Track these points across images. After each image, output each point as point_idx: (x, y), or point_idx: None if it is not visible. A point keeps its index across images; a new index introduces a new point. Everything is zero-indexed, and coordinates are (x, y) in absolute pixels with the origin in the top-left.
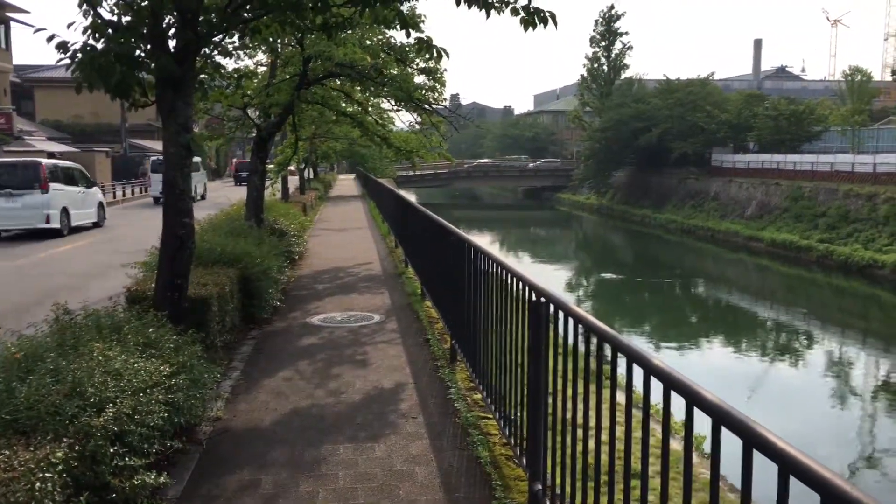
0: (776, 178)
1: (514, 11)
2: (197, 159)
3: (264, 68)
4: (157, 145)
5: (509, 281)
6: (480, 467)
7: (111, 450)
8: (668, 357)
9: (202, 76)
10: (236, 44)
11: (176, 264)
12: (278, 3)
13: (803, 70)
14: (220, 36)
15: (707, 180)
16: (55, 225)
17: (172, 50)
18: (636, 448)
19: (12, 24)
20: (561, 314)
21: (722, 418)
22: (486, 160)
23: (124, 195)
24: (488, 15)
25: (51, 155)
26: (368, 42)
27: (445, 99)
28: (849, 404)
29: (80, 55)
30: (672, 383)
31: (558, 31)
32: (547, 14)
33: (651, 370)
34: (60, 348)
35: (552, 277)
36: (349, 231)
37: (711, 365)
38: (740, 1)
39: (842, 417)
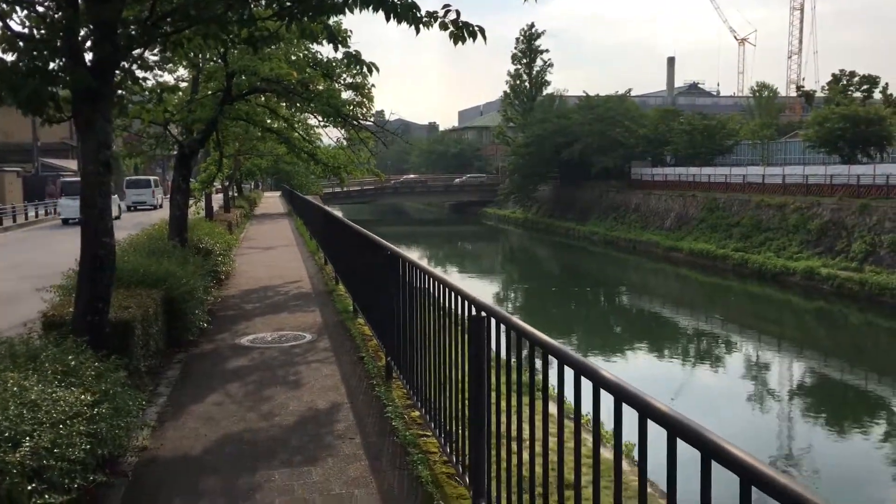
0: (693, 190)
1: (444, 26)
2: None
3: (186, 83)
4: (72, 164)
5: (447, 295)
6: (422, 487)
7: (28, 487)
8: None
9: (121, 91)
10: (157, 58)
11: (96, 286)
12: (201, 16)
13: (718, 86)
14: (141, 49)
15: (627, 193)
16: None
17: (89, 63)
18: (588, 461)
19: None
20: (503, 328)
21: (678, 430)
22: (412, 176)
23: (36, 216)
24: (418, 31)
25: None
26: (294, 57)
27: (374, 114)
28: (766, 404)
29: None
30: (623, 395)
31: (482, 48)
32: (476, 28)
33: (601, 382)
34: None
35: (481, 290)
36: (276, 249)
37: (637, 370)
38: (653, 22)
39: (760, 416)
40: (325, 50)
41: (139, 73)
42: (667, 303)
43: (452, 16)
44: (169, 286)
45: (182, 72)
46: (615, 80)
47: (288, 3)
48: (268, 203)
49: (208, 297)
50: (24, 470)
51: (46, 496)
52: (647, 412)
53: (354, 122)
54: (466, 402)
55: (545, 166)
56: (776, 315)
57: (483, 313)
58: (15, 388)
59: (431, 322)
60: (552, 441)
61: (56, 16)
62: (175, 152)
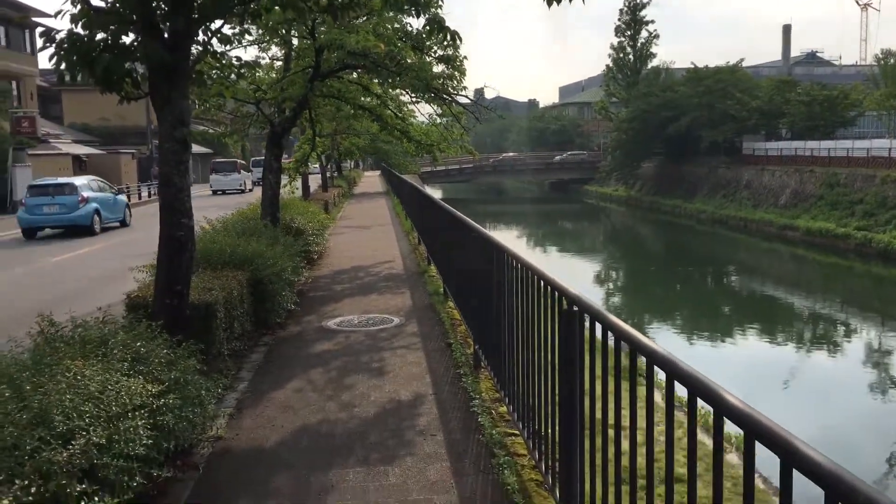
0: (810, 166)
1: None
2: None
3: (280, 62)
4: None
5: (539, 285)
6: (507, 496)
7: (78, 488)
8: (702, 353)
9: (200, 66)
10: (236, 30)
11: (174, 269)
12: None
13: (840, 57)
14: (220, 22)
15: (738, 169)
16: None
17: (165, 38)
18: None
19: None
20: (597, 324)
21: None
22: (511, 154)
23: (149, 195)
24: None
25: (76, 158)
26: (382, 30)
27: (466, 88)
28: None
29: (65, 44)
30: (725, 409)
31: (583, 21)
32: None
33: (698, 390)
34: (36, 367)
35: (582, 272)
36: (372, 228)
37: (747, 361)
38: None
39: (884, 416)
40: (416, 22)
41: (218, 48)
42: (782, 285)
43: None
44: (256, 267)
45: (275, 50)
46: (724, 52)
47: None
48: (367, 182)
49: (298, 278)
50: (73, 469)
51: (96, 498)
52: (755, 430)
53: (445, 97)
54: (557, 402)
55: (649, 142)
56: None
57: (575, 307)
58: (77, 378)
59: (523, 312)
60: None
61: None
62: (267, 131)
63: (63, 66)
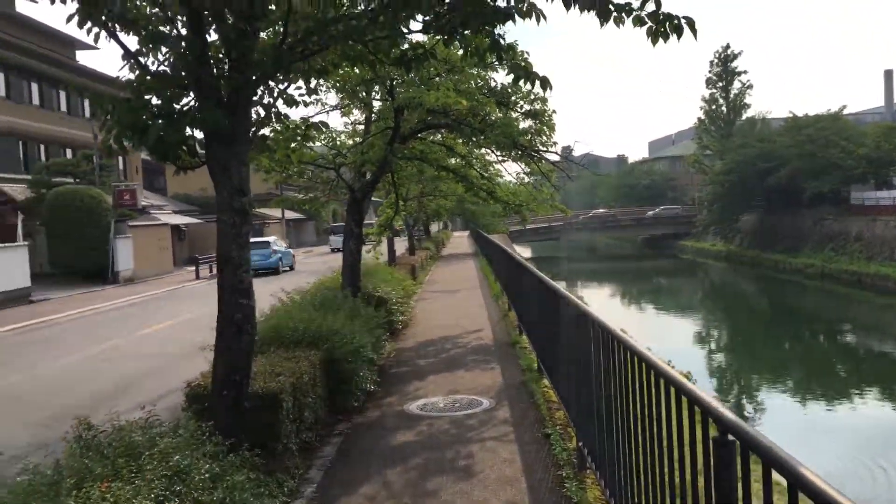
0: None
1: (639, 21)
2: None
3: (362, 127)
4: (277, 213)
5: (668, 391)
6: None
7: None
8: (828, 425)
9: (264, 130)
10: (303, 90)
11: (233, 356)
12: (339, 33)
13: None
14: (284, 84)
15: (846, 220)
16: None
17: (223, 100)
18: None
19: None
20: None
21: None
22: (601, 210)
23: None
24: (604, 22)
25: (175, 227)
26: (464, 86)
27: (556, 143)
28: None
29: (114, 111)
30: None
31: (672, 75)
32: (682, 21)
33: None
34: (51, 493)
35: (684, 333)
36: (460, 293)
37: (876, 430)
38: (862, 32)
39: None
40: (500, 77)
41: (286, 111)
42: None
43: (651, 6)
44: (332, 345)
45: (357, 115)
46: (822, 101)
47: (442, 13)
48: (455, 243)
49: (380, 353)
50: None
51: None
52: None
53: (533, 153)
54: None
55: (748, 194)
56: None
57: (730, 436)
58: None
59: (642, 415)
60: None
61: (182, 48)
62: (346, 197)
63: (113, 136)
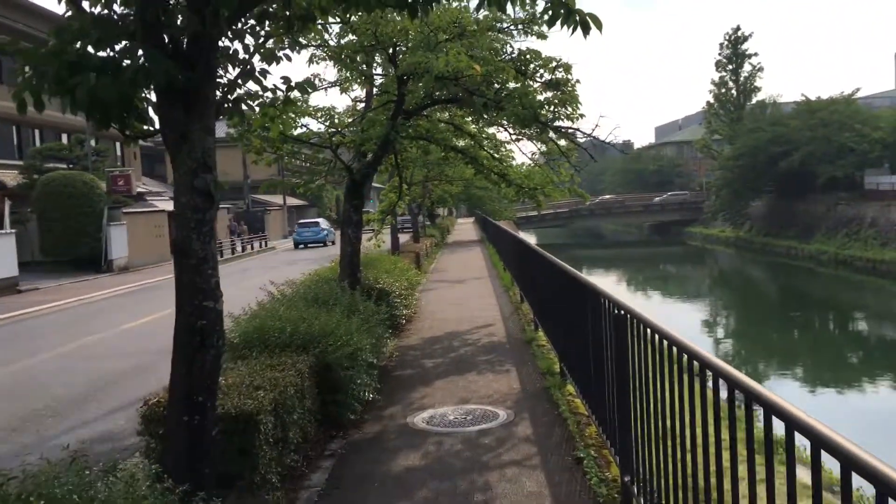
0: None
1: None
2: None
3: (362, 105)
4: (279, 199)
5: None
6: None
7: None
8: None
9: (239, 92)
10: (284, 44)
11: (194, 372)
12: None
13: None
14: (259, 30)
15: (861, 205)
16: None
17: (180, 48)
18: None
19: None
20: None
21: None
22: (608, 196)
23: (243, 250)
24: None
25: (171, 214)
26: (478, 53)
27: (583, 116)
28: None
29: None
30: None
31: (678, 59)
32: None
33: None
34: None
35: (698, 322)
36: (467, 282)
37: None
38: (872, 14)
39: None
40: (518, 44)
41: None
42: None
43: None
44: (324, 349)
45: (358, 92)
46: (832, 84)
47: None
48: (461, 230)
49: (381, 354)
50: None
51: None
52: None
53: (558, 128)
54: None
55: (759, 179)
56: None
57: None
58: None
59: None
60: None
61: None
62: (345, 179)
63: (24, 83)
